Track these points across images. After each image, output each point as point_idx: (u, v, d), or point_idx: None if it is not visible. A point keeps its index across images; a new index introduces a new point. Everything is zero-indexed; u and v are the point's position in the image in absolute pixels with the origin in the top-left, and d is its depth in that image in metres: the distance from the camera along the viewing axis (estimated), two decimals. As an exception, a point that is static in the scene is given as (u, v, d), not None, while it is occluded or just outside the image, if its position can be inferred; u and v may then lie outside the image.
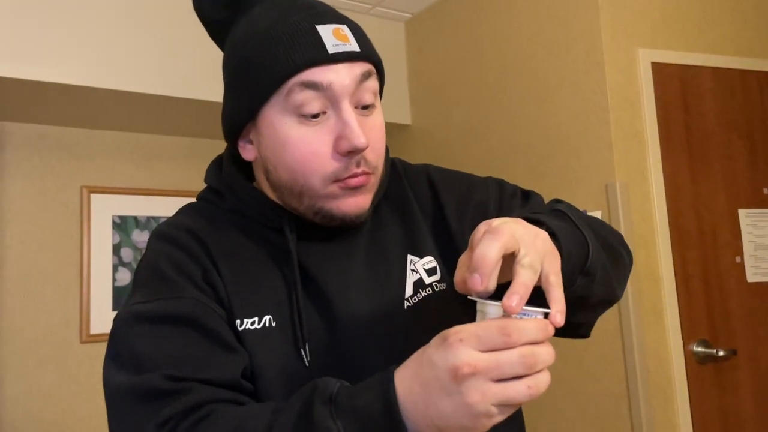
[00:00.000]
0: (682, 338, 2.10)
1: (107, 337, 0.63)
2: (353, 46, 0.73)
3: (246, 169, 0.86)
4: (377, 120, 0.77)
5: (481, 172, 1.05)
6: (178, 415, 0.63)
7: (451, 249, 0.83)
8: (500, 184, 0.92)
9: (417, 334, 0.72)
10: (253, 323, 0.74)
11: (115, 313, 2.81)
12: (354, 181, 0.74)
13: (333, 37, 0.73)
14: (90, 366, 2.75)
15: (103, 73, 2.37)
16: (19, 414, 2.60)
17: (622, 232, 1.88)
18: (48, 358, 2.68)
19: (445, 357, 0.53)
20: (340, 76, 0.72)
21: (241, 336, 0.73)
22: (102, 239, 2.85)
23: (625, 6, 2.23)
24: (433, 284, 0.81)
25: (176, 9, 2.55)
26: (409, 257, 0.82)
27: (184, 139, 3.12)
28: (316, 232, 0.80)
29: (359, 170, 0.73)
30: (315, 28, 0.73)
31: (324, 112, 0.73)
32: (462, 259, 0.61)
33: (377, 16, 3.08)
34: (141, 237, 2.94)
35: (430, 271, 0.82)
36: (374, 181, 0.78)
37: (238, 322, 0.74)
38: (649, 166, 2.16)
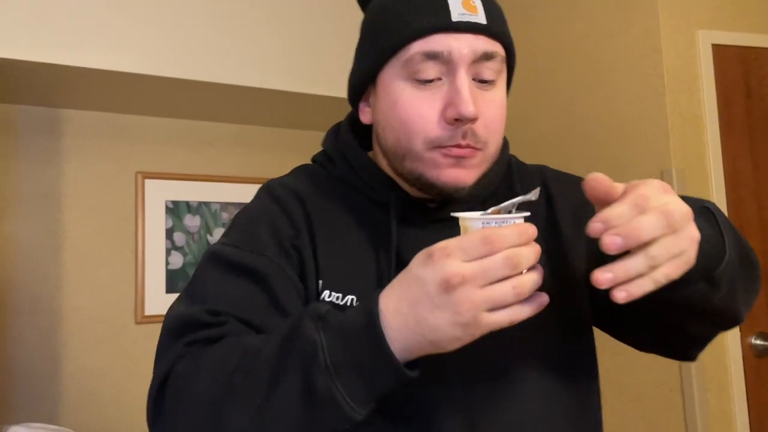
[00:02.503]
0: (740, 330, 2.03)
1: (161, 319, 0.66)
2: (479, 18, 0.71)
3: (366, 139, 0.85)
4: (496, 97, 0.74)
5: (531, 159, 1.02)
6: (206, 340, 0.65)
7: (558, 256, 0.80)
8: None
9: (503, 336, 0.72)
10: (337, 298, 0.74)
11: (168, 295, 2.89)
12: (457, 151, 0.71)
13: (461, 6, 0.70)
14: (144, 346, 2.83)
15: (157, 61, 2.42)
16: (77, 391, 2.70)
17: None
18: (104, 338, 2.77)
19: (434, 271, 0.55)
20: (460, 45, 0.70)
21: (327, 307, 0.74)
22: (155, 223, 2.92)
23: (684, -14, 2.15)
24: None
25: (227, -4, 2.58)
26: None
27: (234, 126, 3.17)
28: (418, 217, 0.79)
29: (464, 143, 0.71)
30: None
31: (439, 79, 0.71)
32: (618, 209, 0.56)
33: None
34: (193, 222, 3.00)
35: None
36: (482, 159, 0.74)
37: (326, 293, 0.74)
38: (707, 152, 2.08)
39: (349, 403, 0.57)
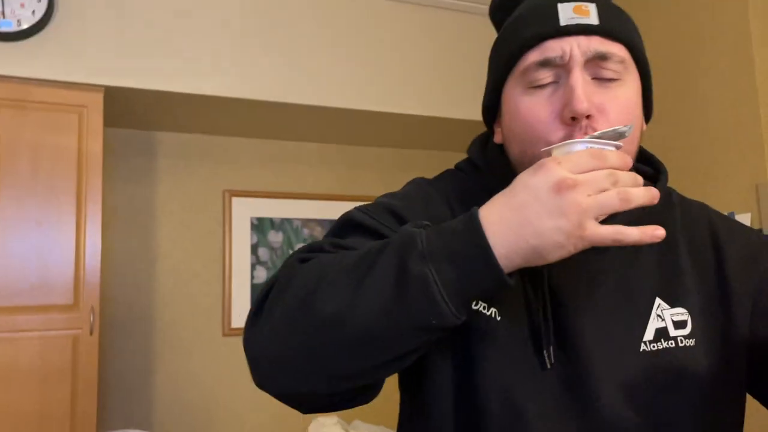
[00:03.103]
0: None
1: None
2: (591, 20, 0.70)
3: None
4: (620, 94, 0.70)
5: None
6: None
7: (722, 308, 0.76)
8: None
9: (652, 378, 0.70)
10: (484, 308, 0.72)
11: (252, 308, 2.99)
12: None
13: (572, 12, 0.70)
14: (231, 357, 2.94)
15: (242, 85, 2.54)
16: (169, 397, 2.83)
17: (776, 236, 1.72)
18: (193, 349, 2.90)
19: (546, 177, 0.57)
20: (571, 47, 0.69)
21: (471, 314, 0.71)
22: (241, 239, 3.03)
23: (778, -10, 2.05)
24: (679, 338, 0.74)
25: (306, 23, 2.67)
26: (658, 301, 0.75)
27: (313, 145, 3.25)
28: None
29: (585, 138, 0.67)
30: (555, 5, 0.71)
31: (555, 82, 0.70)
32: None
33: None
34: (276, 238, 3.09)
35: (679, 324, 0.75)
36: None
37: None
38: (808, 164, 1.96)
39: (441, 291, 0.56)
